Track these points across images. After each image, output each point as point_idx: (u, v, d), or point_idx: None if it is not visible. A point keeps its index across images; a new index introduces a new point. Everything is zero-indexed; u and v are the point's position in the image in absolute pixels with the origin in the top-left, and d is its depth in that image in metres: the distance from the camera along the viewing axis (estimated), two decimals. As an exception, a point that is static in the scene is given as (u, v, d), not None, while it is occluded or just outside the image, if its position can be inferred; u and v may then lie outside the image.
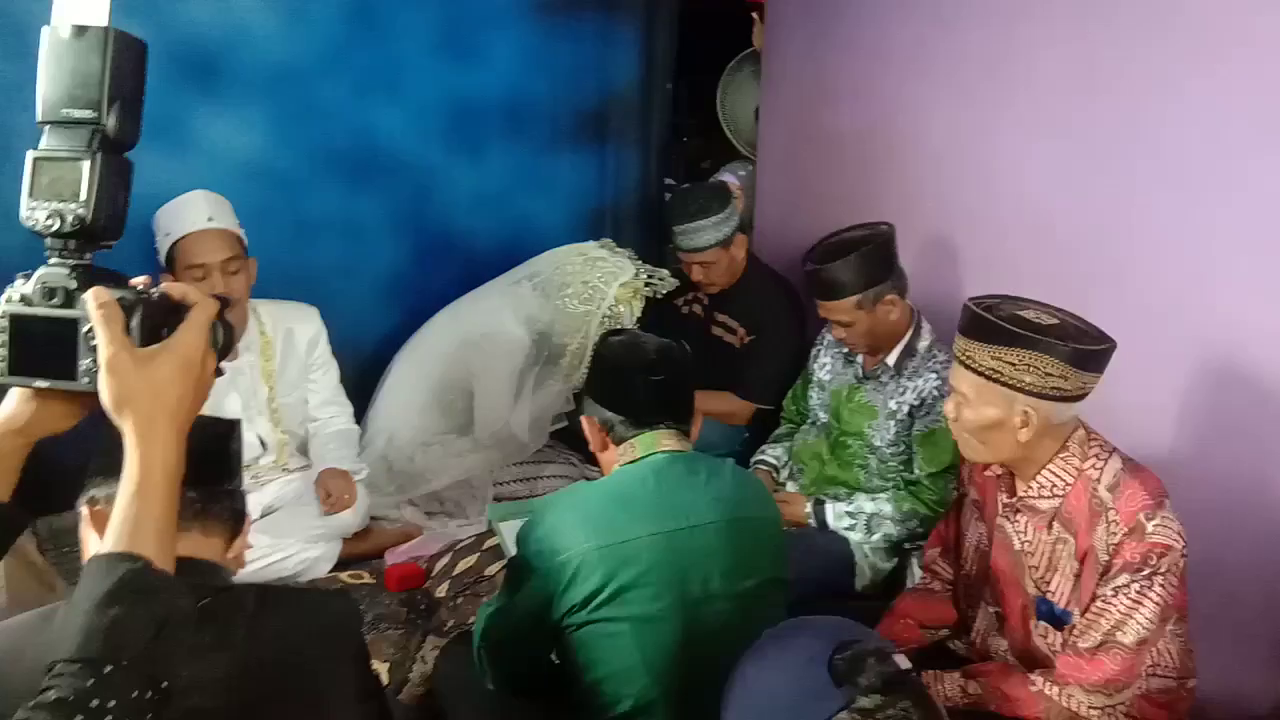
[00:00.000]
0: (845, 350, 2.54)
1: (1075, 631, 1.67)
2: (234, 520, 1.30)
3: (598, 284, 3.00)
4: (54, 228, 0.90)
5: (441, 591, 2.38)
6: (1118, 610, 1.60)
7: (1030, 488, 1.72)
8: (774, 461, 2.71)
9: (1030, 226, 2.34)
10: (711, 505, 1.64)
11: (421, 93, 3.00)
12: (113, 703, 0.77)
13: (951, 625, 2.01)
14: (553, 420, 3.04)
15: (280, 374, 2.63)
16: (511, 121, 3.21)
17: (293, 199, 2.88)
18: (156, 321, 0.91)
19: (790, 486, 2.63)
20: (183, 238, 2.34)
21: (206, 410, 0.96)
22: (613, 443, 1.73)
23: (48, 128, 0.92)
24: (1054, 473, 1.69)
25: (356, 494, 2.58)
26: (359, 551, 2.66)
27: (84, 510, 1.22)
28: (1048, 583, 1.73)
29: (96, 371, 0.88)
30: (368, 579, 2.49)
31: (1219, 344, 1.95)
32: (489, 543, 2.52)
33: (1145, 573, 1.58)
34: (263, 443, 2.63)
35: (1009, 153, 2.38)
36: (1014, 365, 1.59)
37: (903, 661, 1.09)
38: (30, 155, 0.91)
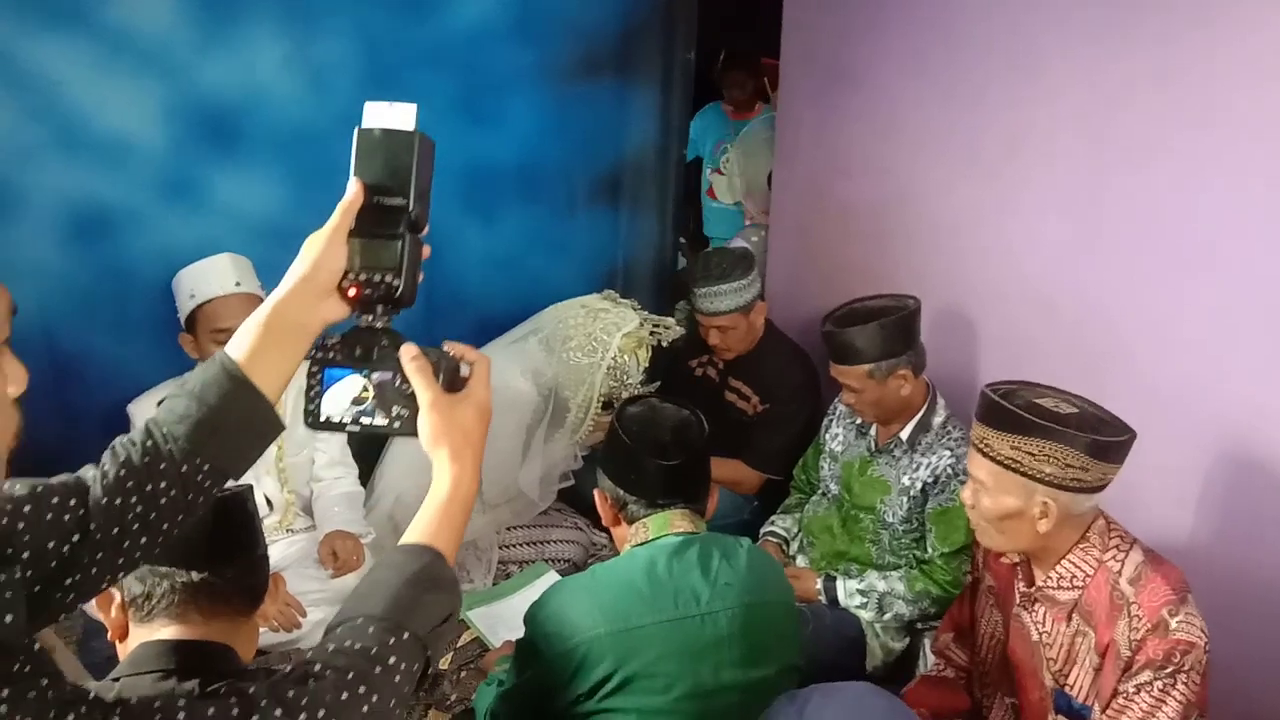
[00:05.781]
0: (858, 422, 2.51)
1: (1095, 728, 1.64)
2: (250, 596, 1.29)
3: (600, 335, 2.98)
4: (373, 295, 1.05)
5: (445, 664, 2.34)
6: (1140, 708, 1.56)
7: (1049, 578, 1.68)
8: (783, 533, 2.67)
9: (1044, 305, 2.33)
10: (724, 591, 1.60)
11: (437, 155, 3.01)
12: (402, 665, 0.92)
13: (965, 713, 1.97)
14: (560, 478, 3.01)
15: (289, 433, 2.61)
16: (526, 184, 3.20)
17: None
18: (455, 373, 1.09)
19: (800, 560, 2.60)
20: (208, 301, 2.32)
21: None
22: (625, 520, 1.71)
23: (362, 210, 1.06)
24: (1074, 563, 1.66)
25: (364, 557, 2.55)
26: (361, 616, 2.62)
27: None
28: (1066, 675, 1.69)
29: (407, 416, 1.06)
30: (370, 646, 2.45)
31: (1236, 428, 1.92)
32: (493, 612, 2.49)
33: (1169, 670, 1.54)
34: (269, 502, 2.60)
35: (1024, 231, 2.37)
36: (1033, 455, 1.57)
37: None
38: (352, 239, 1.05)
